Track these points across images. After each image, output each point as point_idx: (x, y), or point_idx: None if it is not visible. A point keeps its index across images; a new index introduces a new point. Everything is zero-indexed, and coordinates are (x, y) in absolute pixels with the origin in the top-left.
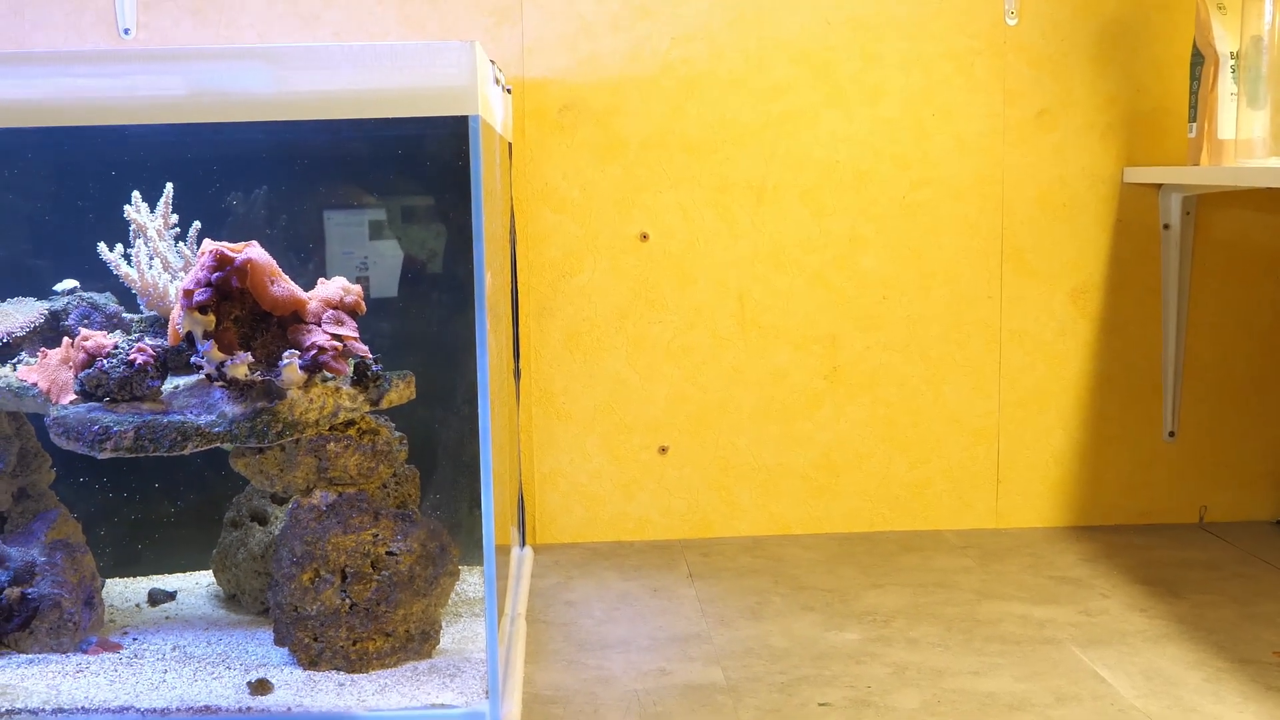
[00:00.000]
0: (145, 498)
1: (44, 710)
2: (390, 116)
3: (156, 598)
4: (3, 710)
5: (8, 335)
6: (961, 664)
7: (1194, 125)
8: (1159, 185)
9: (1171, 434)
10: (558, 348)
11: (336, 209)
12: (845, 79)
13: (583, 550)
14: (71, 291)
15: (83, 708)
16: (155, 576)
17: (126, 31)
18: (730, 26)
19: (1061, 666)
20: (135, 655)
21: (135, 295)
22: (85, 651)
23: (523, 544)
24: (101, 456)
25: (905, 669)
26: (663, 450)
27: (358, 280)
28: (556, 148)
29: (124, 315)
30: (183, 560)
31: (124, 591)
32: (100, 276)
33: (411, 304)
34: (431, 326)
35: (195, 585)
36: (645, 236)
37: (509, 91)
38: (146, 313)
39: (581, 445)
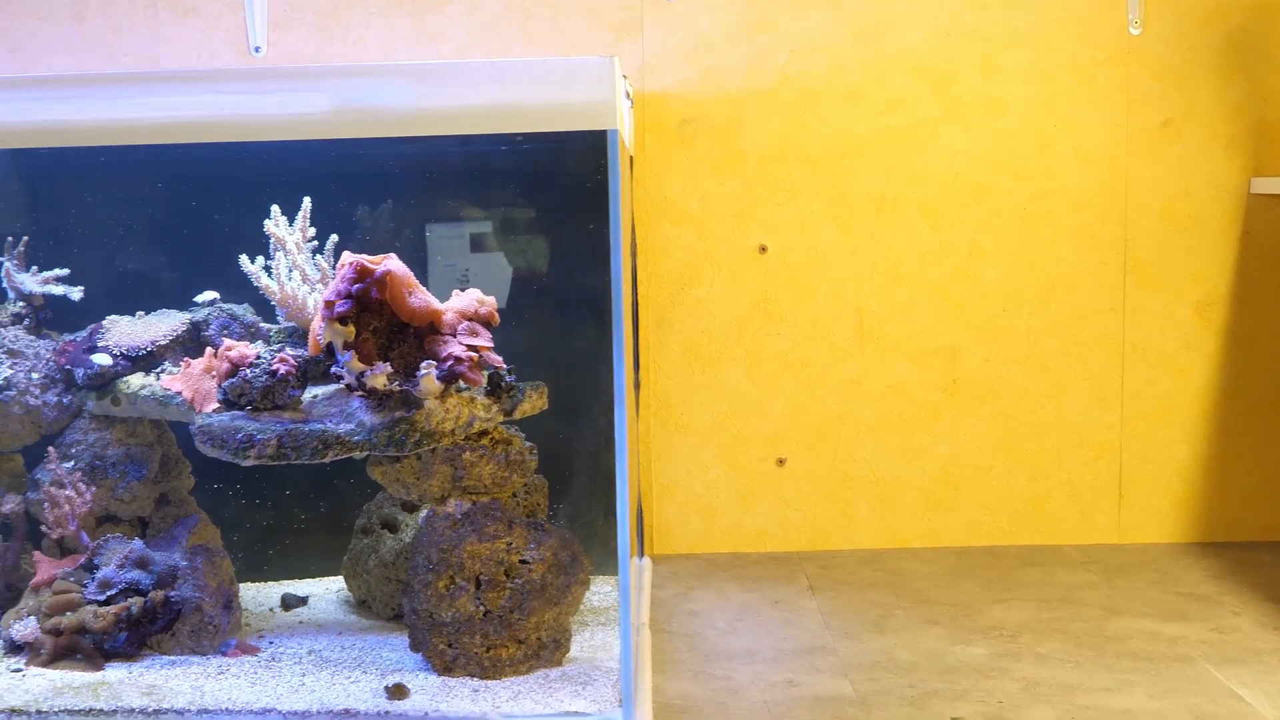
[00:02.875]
0: (276, 504)
1: (189, 710)
2: (530, 131)
3: (289, 602)
4: (150, 709)
5: (151, 344)
6: (1093, 680)
7: None
8: None
9: None
10: (676, 359)
11: (454, 222)
12: (965, 91)
13: (700, 561)
14: (211, 303)
15: (226, 709)
16: (285, 581)
17: (257, 50)
18: (849, 39)
19: (1197, 684)
20: (273, 658)
21: (272, 306)
22: (225, 654)
23: (641, 554)
24: (245, 464)
25: (1036, 684)
26: (780, 462)
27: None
28: (676, 160)
29: (261, 325)
30: (312, 566)
31: (256, 596)
32: (236, 288)
33: (536, 315)
34: (555, 337)
35: (325, 590)
36: (764, 249)
37: (631, 104)
38: (283, 323)
39: (699, 456)
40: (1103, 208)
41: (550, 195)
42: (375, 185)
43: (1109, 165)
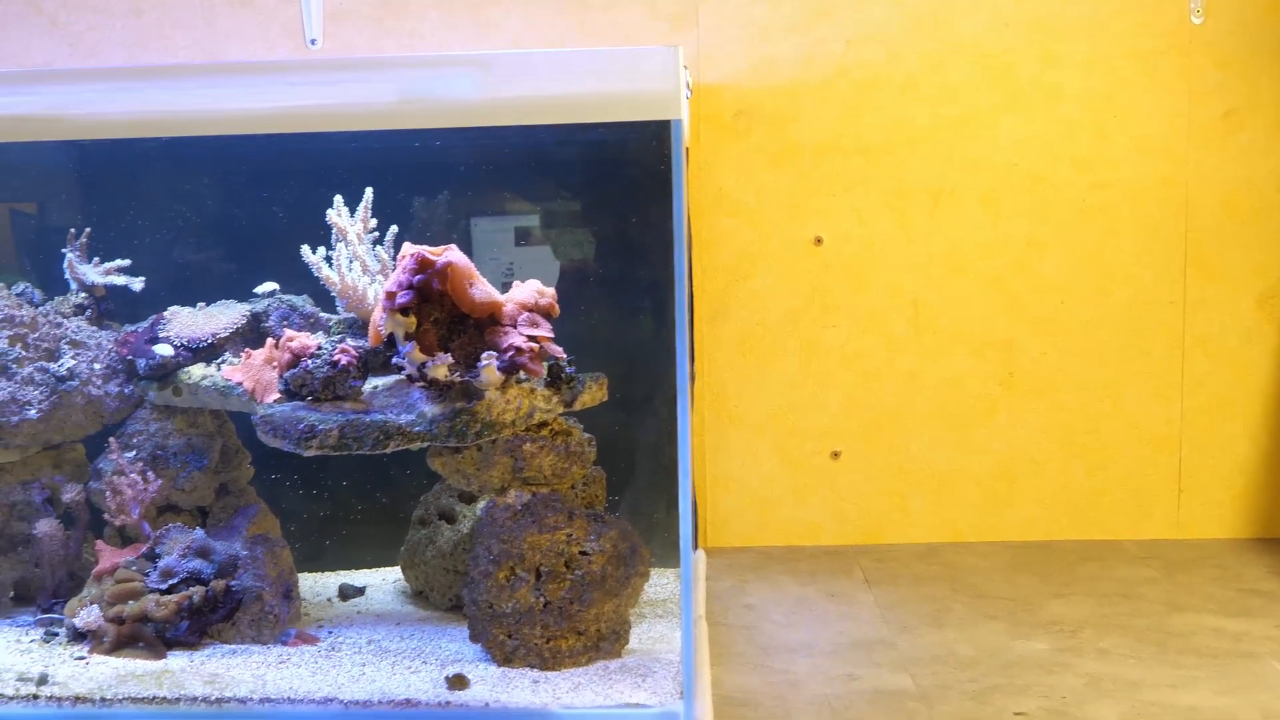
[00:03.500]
0: (333, 495)
1: (251, 699)
2: (592, 122)
3: (346, 592)
4: (213, 698)
5: (212, 335)
6: (1157, 676)
7: None
8: None
9: None
10: (731, 351)
11: (502, 215)
12: (1024, 81)
13: (755, 554)
14: (271, 294)
15: (288, 698)
16: (342, 572)
17: (313, 42)
18: (907, 29)
19: (1264, 681)
20: (333, 648)
21: (332, 297)
22: (285, 643)
23: (696, 546)
24: (307, 454)
25: (1099, 680)
26: (835, 455)
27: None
28: (731, 152)
29: (321, 316)
30: (369, 556)
31: (314, 586)
32: (295, 279)
33: (592, 307)
34: (610, 329)
35: (382, 581)
36: (819, 240)
37: (690, 95)
38: (343, 314)
39: (754, 449)
40: (1163, 199)
41: (606, 187)
42: (431, 178)
43: (1169, 156)
